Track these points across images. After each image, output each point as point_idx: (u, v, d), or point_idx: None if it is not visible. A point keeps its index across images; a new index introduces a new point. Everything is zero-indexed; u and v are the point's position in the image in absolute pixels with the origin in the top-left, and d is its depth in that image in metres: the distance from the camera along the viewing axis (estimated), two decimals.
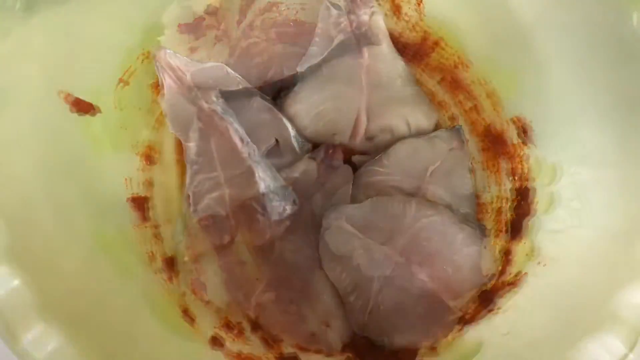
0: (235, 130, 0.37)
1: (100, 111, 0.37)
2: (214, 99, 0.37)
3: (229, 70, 0.39)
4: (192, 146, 0.37)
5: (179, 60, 0.37)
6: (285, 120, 0.39)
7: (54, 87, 0.34)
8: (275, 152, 0.39)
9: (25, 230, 0.30)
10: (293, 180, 0.37)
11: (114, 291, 0.34)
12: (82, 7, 0.34)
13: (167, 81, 0.38)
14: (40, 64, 0.34)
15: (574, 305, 0.33)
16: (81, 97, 0.35)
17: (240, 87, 0.39)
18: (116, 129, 0.39)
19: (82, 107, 0.35)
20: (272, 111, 0.39)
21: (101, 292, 0.33)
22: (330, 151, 0.39)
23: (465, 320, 0.36)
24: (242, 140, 0.36)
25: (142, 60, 0.39)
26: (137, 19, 0.38)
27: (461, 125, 0.41)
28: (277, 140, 0.39)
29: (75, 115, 0.36)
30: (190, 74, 0.37)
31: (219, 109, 0.37)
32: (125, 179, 0.39)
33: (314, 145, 0.40)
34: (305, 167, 0.38)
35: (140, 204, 0.39)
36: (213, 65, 0.38)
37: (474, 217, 0.38)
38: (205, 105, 0.37)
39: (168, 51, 0.37)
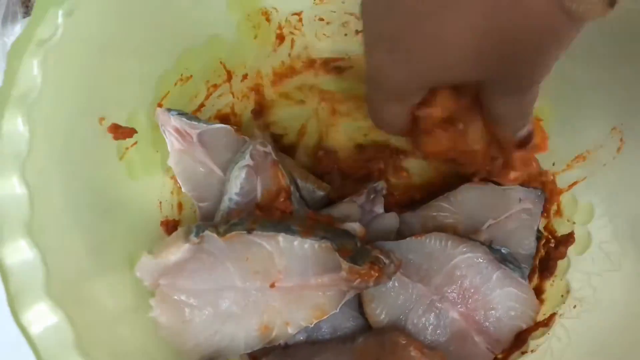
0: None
1: (135, 133, 0.36)
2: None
3: (234, 132, 0.39)
4: (204, 206, 0.38)
5: (184, 121, 0.37)
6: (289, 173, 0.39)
7: (93, 113, 0.34)
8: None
9: (60, 261, 0.30)
10: None
11: (145, 311, 0.34)
12: (120, 34, 0.34)
13: (175, 143, 0.37)
14: (76, 90, 0.33)
15: (608, 353, 0.33)
16: (119, 123, 0.35)
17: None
18: (149, 153, 0.38)
19: (122, 133, 0.35)
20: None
21: (137, 320, 0.33)
22: (372, 197, 0.39)
23: None
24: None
25: (176, 83, 0.39)
26: (174, 46, 0.37)
27: (543, 190, 0.40)
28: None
29: (109, 139, 0.35)
30: (197, 135, 0.37)
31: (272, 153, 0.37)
32: (160, 202, 0.39)
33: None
34: (347, 211, 0.38)
35: (173, 227, 0.39)
36: (219, 127, 0.38)
37: (514, 259, 0.38)
38: (260, 148, 0.37)
39: (172, 113, 0.37)
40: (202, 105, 0.41)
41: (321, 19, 0.43)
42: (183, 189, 0.38)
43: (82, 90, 0.33)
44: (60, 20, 0.30)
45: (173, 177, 0.40)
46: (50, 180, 0.30)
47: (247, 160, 0.37)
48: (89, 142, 0.34)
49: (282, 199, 0.37)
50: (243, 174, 0.37)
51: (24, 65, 0.29)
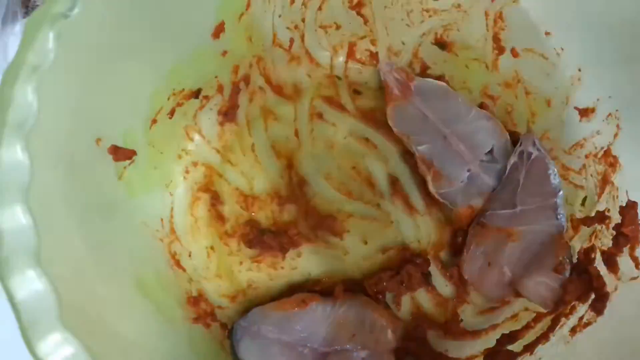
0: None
1: (136, 155, 0.36)
2: None
3: (449, 88, 0.42)
4: (422, 149, 0.41)
5: (403, 73, 0.41)
6: (502, 127, 0.41)
7: (90, 134, 0.33)
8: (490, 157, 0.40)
9: (71, 289, 0.29)
10: None
11: (159, 335, 0.34)
12: (111, 52, 0.33)
13: (394, 91, 0.41)
14: (72, 113, 0.33)
15: None
16: (117, 144, 0.34)
17: (460, 100, 0.41)
18: (148, 170, 0.38)
19: (123, 154, 0.34)
20: (490, 119, 0.41)
21: (150, 345, 0.32)
22: None
23: None
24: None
25: (169, 98, 0.38)
26: (165, 62, 0.37)
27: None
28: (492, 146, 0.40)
29: (107, 160, 0.35)
30: (414, 85, 0.41)
31: None
32: (162, 220, 0.38)
33: None
34: None
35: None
36: (435, 82, 0.42)
37: None
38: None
39: (393, 65, 0.42)
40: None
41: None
42: (394, 130, 0.42)
43: (78, 113, 0.32)
44: (51, 44, 0.29)
45: (172, 194, 0.39)
46: (54, 208, 0.30)
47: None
48: (88, 165, 0.33)
49: None
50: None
51: (18, 92, 0.28)
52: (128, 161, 0.36)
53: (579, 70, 0.38)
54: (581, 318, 0.35)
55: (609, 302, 0.34)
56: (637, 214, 0.34)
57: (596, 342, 0.34)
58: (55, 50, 0.29)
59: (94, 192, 0.34)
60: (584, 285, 0.34)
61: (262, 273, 0.40)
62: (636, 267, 0.34)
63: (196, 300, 0.38)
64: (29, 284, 0.26)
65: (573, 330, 0.35)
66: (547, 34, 0.38)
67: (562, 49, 0.38)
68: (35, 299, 0.27)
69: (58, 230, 0.30)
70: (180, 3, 0.36)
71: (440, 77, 0.43)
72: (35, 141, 0.28)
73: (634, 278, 0.34)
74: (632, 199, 0.35)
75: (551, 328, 0.36)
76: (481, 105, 0.42)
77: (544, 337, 0.36)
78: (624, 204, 0.35)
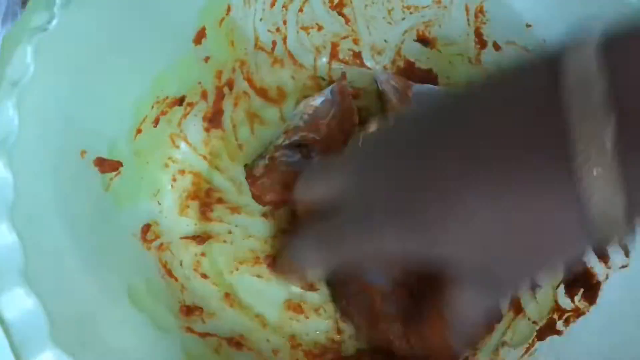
0: None
1: (122, 166, 0.36)
2: None
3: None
4: None
5: (400, 81, 0.41)
6: None
7: (74, 147, 0.33)
8: None
9: (61, 305, 0.29)
10: None
11: (154, 346, 0.34)
12: (92, 63, 0.33)
13: (393, 99, 0.40)
14: (55, 126, 0.32)
15: None
16: (102, 156, 0.34)
17: None
18: (134, 180, 0.38)
19: (109, 166, 0.34)
20: None
21: (142, 350, 0.32)
22: None
23: None
24: None
25: (152, 106, 0.38)
26: (148, 69, 0.37)
27: None
28: None
29: (93, 172, 0.35)
30: (412, 92, 0.40)
31: None
32: (151, 229, 0.38)
33: None
34: None
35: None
36: (430, 87, 0.41)
37: None
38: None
39: (390, 74, 0.41)
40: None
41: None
42: None
43: (61, 126, 0.32)
44: (29, 58, 0.29)
45: (160, 203, 0.39)
46: (40, 224, 0.30)
47: (327, 94, 0.40)
48: (74, 178, 0.33)
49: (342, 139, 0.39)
50: (319, 101, 0.40)
51: None
52: (114, 172, 0.36)
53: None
54: (575, 309, 0.35)
55: (601, 291, 0.34)
56: None
57: (590, 331, 0.34)
58: (34, 64, 0.29)
59: (81, 205, 0.34)
60: None
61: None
62: (626, 255, 0.34)
63: (189, 309, 0.37)
64: (18, 302, 0.26)
65: (567, 321, 0.35)
66: (528, 26, 0.38)
67: (544, 41, 0.38)
68: (26, 318, 0.26)
69: (46, 245, 0.30)
70: (160, 10, 0.36)
71: (429, 71, 0.43)
72: (18, 157, 0.28)
73: (624, 266, 0.34)
74: None
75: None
76: None
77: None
78: None
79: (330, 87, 0.41)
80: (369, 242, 0.26)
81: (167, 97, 0.39)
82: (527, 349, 0.35)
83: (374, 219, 0.25)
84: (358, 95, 0.43)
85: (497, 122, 0.22)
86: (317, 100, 0.41)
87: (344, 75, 0.42)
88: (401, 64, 0.43)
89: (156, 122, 0.38)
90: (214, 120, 0.42)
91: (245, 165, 0.40)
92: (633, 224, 0.20)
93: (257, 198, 0.38)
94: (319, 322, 0.39)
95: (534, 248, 0.23)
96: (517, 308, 0.37)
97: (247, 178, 0.39)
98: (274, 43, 0.42)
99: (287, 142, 0.39)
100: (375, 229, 0.25)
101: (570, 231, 0.21)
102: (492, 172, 0.22)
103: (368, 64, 0.44)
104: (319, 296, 0.39)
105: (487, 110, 0.23)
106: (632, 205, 0.19)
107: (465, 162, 0.23)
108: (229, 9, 0.39)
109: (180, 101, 0.39)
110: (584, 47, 0.21)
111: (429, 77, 0.43)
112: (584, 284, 0.35)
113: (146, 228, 0.38)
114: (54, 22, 0.30)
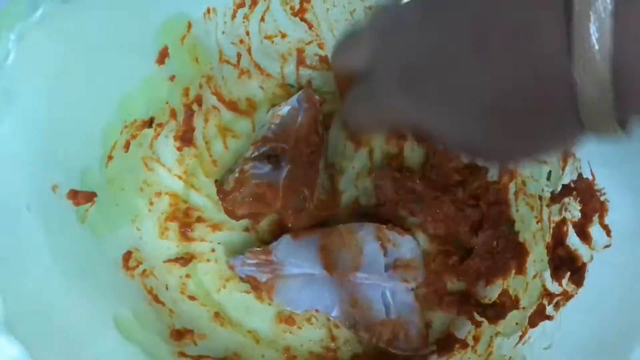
0: None
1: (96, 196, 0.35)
2: None
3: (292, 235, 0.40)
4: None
5: (257, 255, 0.38)
6: None
7: (46, 182, 0.32)
8: None
9: (46, 348, 0.28)
10: None
11: None
12: (58, 97, 0.32)
13: (263, 278, 0.38)
14: (26, 163, 0.31)
15: None
16: (75, 188, 0.33)
17: None
18: (110, 208, 0.37)
19: (83, 198, 0.33)
20: None
21: None
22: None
23: None
24: None
25: (121, 132, 0.37)
26: (112, 93, 0.36)
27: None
28: None
29: (67, 206, 0.34)
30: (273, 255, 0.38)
31: None
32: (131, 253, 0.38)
33: None
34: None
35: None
36: (281, 239, 0.39)
37: None
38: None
39: (244, 258, 0.38)
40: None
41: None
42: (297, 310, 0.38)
43: (29, 161, 0.31)
44: None
45: (139, 228, 0.39)
46: (17, 266, 0.29)
47: (294, 102, 0.40)
48: (48, 215, 0.32)
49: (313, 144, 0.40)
50: (286, 110, 0.40)
51: None
52: (89, 203, 0.35)
53: None
54: (564, 292, 0.35)
55: (587, 272, 0.35)
56: (591, 188, 0.35)
57: (580, 313, 0.34)
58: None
59: (58, 242, 0.33)
60: None
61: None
62: (607, 234, 0.34)
63: (180, 332, 0.37)
64: (3, 353, 0.25)
65: (557, 305, 0.35)
66: None
67: None
68: None
69: (25, 287, 0.29)
70: (119, 32, 0.35)
71: None
72: None
73: (607, 246, 0.34)
74: (594, 170, 0.35)
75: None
76: None
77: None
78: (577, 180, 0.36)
79: (296, 95, 0.41)
80: (385, 110, 0.27)
81: (135, 120, 0.38)
82: (521, 337, 0.35)
83: (387, 89, 0.26)
84: (325, 101, 0.42)
85: None
86: (283, 110, 0.40)
87: (309, 83, 0.43)
88: None
89: (127, 146, 0.38)
90: (185, 138, 0.41)
91: (216, 181, 0.39)
92: (623, 111, 0.19)
93: (229, 213, 0.38)
94: (312, 332, 0.39)
95: (521, 120, 0.22)
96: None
97: (218, 194, 0.38)
98: (239, 55, 0.42)
99: (255, 153, 0.39)
100: (387, 98, 0.26)
101: (560, 97, 0.20)
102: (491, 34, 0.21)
103: None
104: None
105: None
106: (621, 80, 0.18)
107: (465, 34, 0.22)
108: (189, 26, 0.38)
109: (149, 123, 0.39)
110: None
111: None
112: (570, 267, 0.35)
113: (127, 255, 0.37)
114: (11, 57, 0.29)
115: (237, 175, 0.38)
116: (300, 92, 0.41)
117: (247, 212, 0.38)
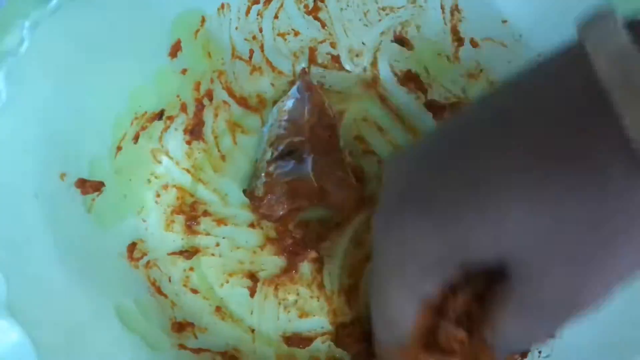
0: None
1: (104, 186, 0.35)
2: None
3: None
4: None
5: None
6: None
7: (53, 170, 0.33)
8: None
9: (48, 334, 0.29)
10: None
11: None
12: (68, 85, 0.33)
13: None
14: (35, 150, 0.32)
15: None
16: (83, 177, 0.34)
17: None
18: (117, 199, 0.37)
19: (91, 187, 0.34)
20: None
21: None
22: None
23: None
24: None
25: (132, 122, 0.38)
26: (125, 85, 0.36)
27: None
28: None
29: (74, 195, 0.34)
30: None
31: None
32: (137, 247, 0.38)
33: None
34: None
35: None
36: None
37: None
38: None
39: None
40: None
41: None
42: None
43: (39, 148, 0.32)
44: (1, 84, 0.29)
45: (145, 220, 0.39)
46: (22, 250, 0.29)
47: (295, 94, 0.40)
48: (55, 202, 0.32)
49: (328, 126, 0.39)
50: (290, 104, 0.40)
51: None
52: (96, 193, 0.35)
53: (539, 55, 0.38)
54: None
55: None
56: None
57: (580, 322, 0.34)
58: (6, 90, 0.28)
59: (64, 229, 0.33)
60: None
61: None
62: None
63: (181, 325, 0.37)
64: (4, 335, 0.26)
65: None
66: (504, 22, 0.38)
67: (520, 36, 0.38)
68: (12, 351, 0.26)
69: (29, 272, 0.30)
70: (133, 25, 0.35)
71: (408, 71, 0.43)
72: None
73: None
74: None
75: None
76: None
77: None
78: None
79: (295, 87, 0.41)
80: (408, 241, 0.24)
81: (145, 112, 0.38)
82: None
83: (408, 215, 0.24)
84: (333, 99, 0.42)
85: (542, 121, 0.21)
86: (288, 104, 0.41)
87: (304, 70, 0.42)
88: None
89: (136, 138, 0.38)
90: (195, 132, 0.41)
91: (244, 191, 0.39)
92: None
93: (268, 217, 0.38)
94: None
95: (599, 253, 0.21)
96: None
97: (251, 202, 0.39)
98: (252, 51, 0.42)
99: (276, 153, 0.39)
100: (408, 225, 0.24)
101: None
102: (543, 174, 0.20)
103: (347, 67, 0.43)
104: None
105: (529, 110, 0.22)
106: None
107: (509, 162, 0.21)
108: (203, 20, 0.38)
109: (159, 115, 0.39)
110: (605, 28, 0.19)
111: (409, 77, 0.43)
112: None
113: (132, 246, 0.38)
114: (25, 45, 0.30)
115: (264, 179, 0.38)
116: (297, 83, 0.41)
117: (286, 211, 0.38)
